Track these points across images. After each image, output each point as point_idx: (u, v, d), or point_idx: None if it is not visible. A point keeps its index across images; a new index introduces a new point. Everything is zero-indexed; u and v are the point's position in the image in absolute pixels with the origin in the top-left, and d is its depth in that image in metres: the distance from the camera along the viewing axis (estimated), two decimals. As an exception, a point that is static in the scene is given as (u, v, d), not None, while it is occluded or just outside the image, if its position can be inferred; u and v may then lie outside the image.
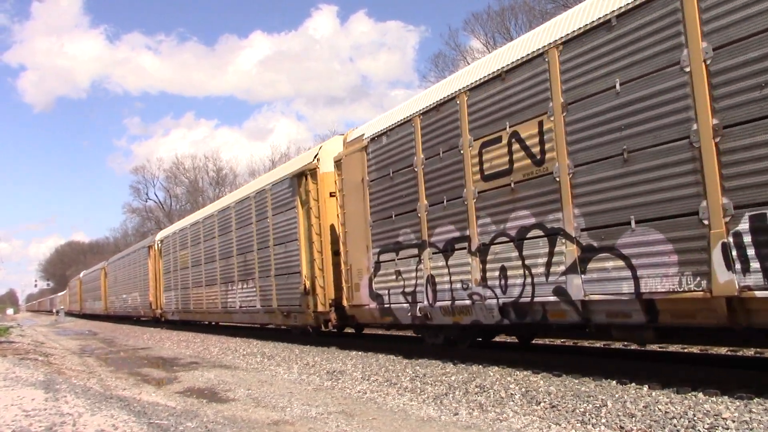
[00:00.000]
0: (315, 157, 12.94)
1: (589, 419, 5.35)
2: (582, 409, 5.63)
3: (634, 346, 9.59)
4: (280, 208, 14.30)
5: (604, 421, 5.26)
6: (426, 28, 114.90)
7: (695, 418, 4.94)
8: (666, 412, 5.19)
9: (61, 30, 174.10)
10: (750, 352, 8.57)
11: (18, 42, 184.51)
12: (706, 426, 4.75)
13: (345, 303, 11.61)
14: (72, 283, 64.75)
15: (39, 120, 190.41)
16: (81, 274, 56.94)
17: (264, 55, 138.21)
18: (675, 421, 4.97)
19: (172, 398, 7.78)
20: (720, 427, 4.69)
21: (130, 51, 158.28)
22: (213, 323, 23.14)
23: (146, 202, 78.42)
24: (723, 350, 8.82)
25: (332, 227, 12.58)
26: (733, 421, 4.76)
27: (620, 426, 5.07)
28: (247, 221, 16.33)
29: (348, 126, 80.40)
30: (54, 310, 70.34)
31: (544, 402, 6.05)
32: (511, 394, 6.55)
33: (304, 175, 13.15)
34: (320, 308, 12.51)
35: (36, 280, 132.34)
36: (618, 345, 9.79)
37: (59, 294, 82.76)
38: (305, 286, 12.98)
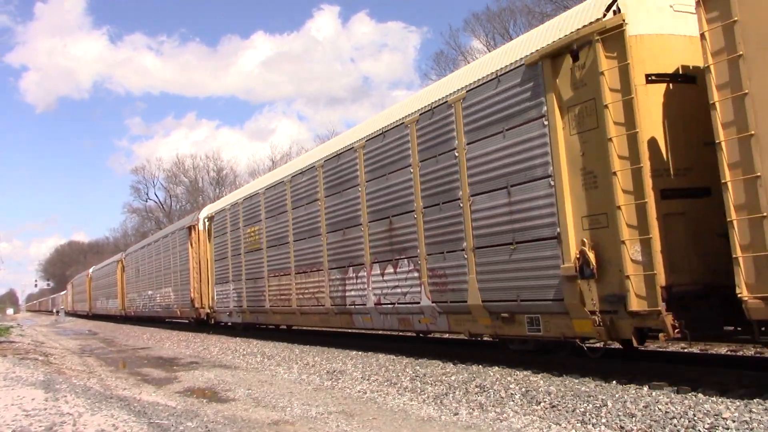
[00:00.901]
0: (608, 7, 6.62)
1: (589, 419, 5.27)
2: (582, 409, 5.53)
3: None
4: (493, 127, 7.94)
5: (604, 420, 5.18)
6: (428, 29, 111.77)
7: (695, 418, 4.84)
8: (666, 412, 5.08)
9: (64, 31, 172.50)
10: (750, 352, 8.22)
11: (21, 43, 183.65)
12: (707, 426, 4.66)
13: (744, 294, 5.27)
14: (77, 281, 57.54)
15: (41, 120, 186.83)
16: (90, 270, 49.35)
17: (266, 56, 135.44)
18: (675, 421, 4.88)
19: (172, 398, 7.71)
20: (720, 427, 4.60)
21: (132, 51, 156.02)
22: (302, 329, 16.70)
23: (146, 202, 77.34)
24: (723, 350, 8.46)
25: (653, 143, 6.30)
26: (734, 421, 4.67)
27: (620, 426, 5.00)
28: (394, 166, 9.94)
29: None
30: (54, 310, 68.23)
31: (545, 402, 5.95)
32: (512, 394, 6.42)
33: (572, 51, 6.83)
34: (634, 305, 6.15)
35: (36, 280, 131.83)
36: (618, 345, 8.83)
37: (61, 293, 78.09)
38: (579, 263, 6.65)
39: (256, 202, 15.61)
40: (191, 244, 20.70)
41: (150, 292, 27.08)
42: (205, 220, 19.87)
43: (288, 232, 13.71)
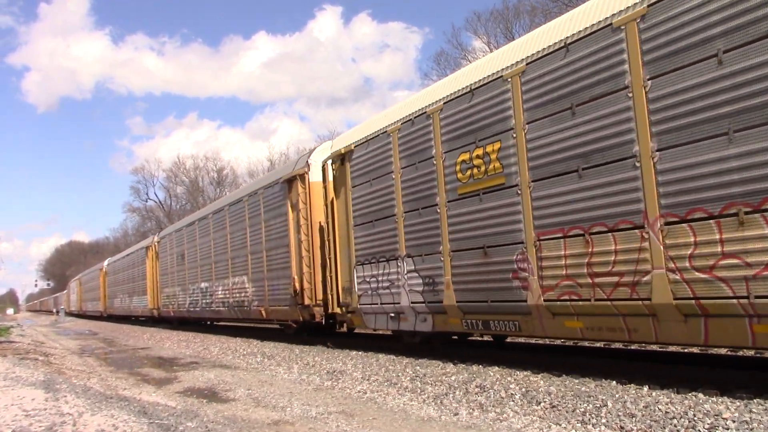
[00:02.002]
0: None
1: (589, 419, 5.26)
2: (582, 409, 5.53)
3: (634, 346, 9.31)
4: None
5: (604, 421, 5.17)
6: (429, 30, 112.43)
7: (695, 418, 4.84)
8: (666, 412, 5.09)
9: (67, 31, 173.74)
10: (750, 352, 8.07)
11: (23, 43, 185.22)
12: (707, 426, 4.66)
13: None
14: (87, 276, 51.39)
15: (42, 120, 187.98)
16: (105, 262, 41.88)
17: (267, 57, 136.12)
18: (675, 421, 4.88)
19: (172, 398, 7.70)
20: (720, 427, 4.59)
21: (134, 52, 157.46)
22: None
23: (146, 202, 77.90)
24: (723, 350, 8.31)
25: None
26: (734, 421, 4.66)
27: (620, 426, 4.99)
28: None
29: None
30: (55, 311, 68.34)
31: (545, 402, 5.96)
32: (512, 394, 6.43)
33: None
34: None
35: (36, 280, 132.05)
36: (618, 345, 9.30)
37: (63, 293, 77.50)
38: None
39: (500, 99, 7.80)
40: (292, 207, 13.42)
41: (204, 285, 19.90)
42: (329, 162, 12.06)
43: (632, 134, 6.11)
